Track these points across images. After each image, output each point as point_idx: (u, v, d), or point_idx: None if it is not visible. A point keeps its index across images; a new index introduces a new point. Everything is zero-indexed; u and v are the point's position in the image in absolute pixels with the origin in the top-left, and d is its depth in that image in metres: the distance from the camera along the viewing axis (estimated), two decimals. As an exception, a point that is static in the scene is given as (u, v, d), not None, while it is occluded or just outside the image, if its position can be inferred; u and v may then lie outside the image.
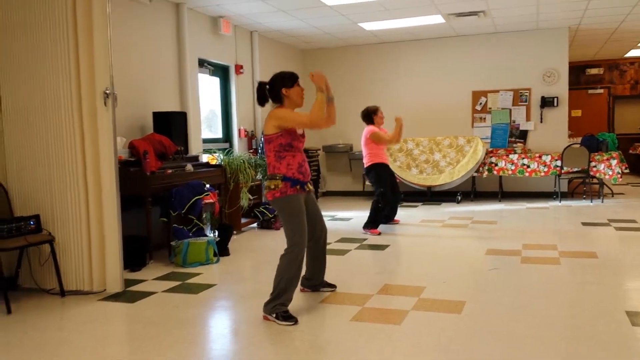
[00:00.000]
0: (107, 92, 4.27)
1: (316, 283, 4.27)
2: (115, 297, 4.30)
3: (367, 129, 6.73)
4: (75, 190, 4.37)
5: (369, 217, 6.72)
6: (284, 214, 3.78)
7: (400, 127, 6.60)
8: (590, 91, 13.56)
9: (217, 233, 5.94)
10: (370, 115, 6.80)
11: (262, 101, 3.91)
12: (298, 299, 3.94)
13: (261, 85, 3.89)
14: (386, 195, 6.74)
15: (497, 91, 9.75)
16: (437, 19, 8.36)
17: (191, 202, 5.60)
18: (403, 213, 7.97)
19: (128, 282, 4.64)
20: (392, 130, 6.71)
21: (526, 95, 9.62)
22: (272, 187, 3.74)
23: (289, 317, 3.57)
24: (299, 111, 3.88)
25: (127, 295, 4.36)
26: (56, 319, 3.88)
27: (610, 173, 8.53)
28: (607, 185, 9.47)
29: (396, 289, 4.32)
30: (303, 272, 4.08)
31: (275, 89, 3.82)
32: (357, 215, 8.11)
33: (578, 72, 13.25)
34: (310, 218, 3.97)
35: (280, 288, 3.64)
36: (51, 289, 4.47)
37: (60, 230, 4.42)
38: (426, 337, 3.27)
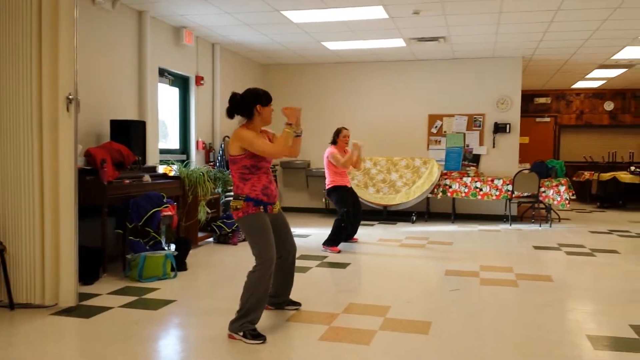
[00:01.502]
0: (71, 97, 4.11)
1: (281, 301, 4.20)
2: (68, 312, 4.09)
3: (328, 150, 6.75)
4: (31, 197, 4.16)
5: (330, 235, 6.70)
6: (249, 232, 3.71)
7: (358, 154, 6.62)
8: (537, 119, 14.09)
9: (174, 247, 5.78)
10: (334, 137, 6.87)
11: (232, 113, 3.84)
12: (262, 317, 3.83)
13: (235, 96, 3.82)
14: (349, 214, 6.75)
15: (453, 115, 9.98)
16: (399, 43, 8.51)
17: (149, 214, 5.43)
18: (360, 232, 7.96)
19: (81, 296, 4.41)
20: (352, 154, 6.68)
21: (480, 121, 9.88)
22: (237, 207, 3.69)
23: (257, 336, 3.48)
24: (267, 129, 3.91)
25: (81, 310, 4.16)
26: (5, 334, 3.65)
27: (559, 199, 8.84)
28: (554, 210, 9.79)
29: (361, 308, 4.29)
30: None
31: (248, 104, 3.76)
32: (315, 232, 8.08)
33: (527, 101, 13.73)
34: (280, 236, 3.92)
35: (249, 306, 3.54)
36: (-1, 301, 4.22)
37: (12, 240, 4.18)
38: (396, 358, 3.25)
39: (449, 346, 3.46)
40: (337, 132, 6.86)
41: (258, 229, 3.67)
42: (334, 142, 6.84)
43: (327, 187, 6.81)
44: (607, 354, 3.36)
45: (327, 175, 6.78)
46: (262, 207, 3.72)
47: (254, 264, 3.66)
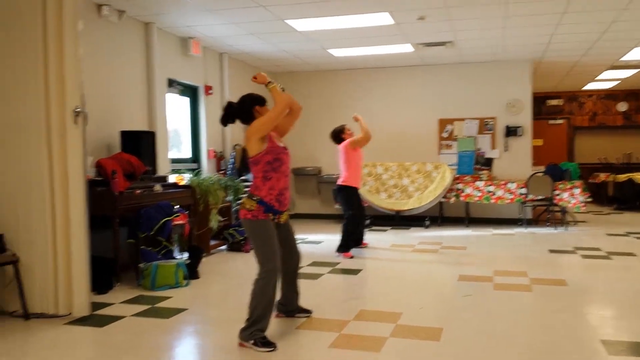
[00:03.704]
0: (78, 110, 4.15)
1: (291, 308, 4.19)
2: (82, 321, 4.12)
3: (344, 143, 6.79)
4: (42, 209, 4.20)
5: (341, 241, 6.71)
6: (254, 237, 3.73)
7: (361, 121, 6.80)
8: (550, 121, 13.98)
9: (186, 255, 5.80)
10: (339, 135, 6.91)
11: (226, 121, 3.90)
12: (273, 325, 3.85)
13: (230, 105, 3.89)
14: (355, 218, 6.75)
15: (463, 119, 9.93)
16: (406, 48, 8.50)
17: (160, 223, 5.45)
18: (373, 237, 7.97)
19: (94, 306, 4.44)
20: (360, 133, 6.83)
21: (491, 124, 9.82)
22: (247, 206, 3.70)
23: (267, 343, 3.48)
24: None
25: (95, 319, 4.19)
26: (20, 343, 3.69)
27: (574, 201, 8.75)
28: (569, 214, 9.69)
29: (372, 314, 4.27)
30: (277, 297, 4.02)
31: (247, 108, 3.82)
32: (327, 238, 8.06)
33: (539, 103, 13.63)
34: (286, 245, 3.93)
35: (257, 314, 3.55)
36: (14, 311, 4.25)
37: (25, 251, 4.22)
38: (408, 365, 3.23)
39: (460, 352, 3.43)
40: (341, 131, 6.90)
41: (263, 237, 3.68)
42: (341, 140, 6.86)
43: (340, 184, 6.79)
44: (621, 359, 3.31)
45: (343, 170, 6.78)
46: (272, 214, 3.72)
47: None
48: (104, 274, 5.04)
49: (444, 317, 4.20)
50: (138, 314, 4.32)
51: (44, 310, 4.24)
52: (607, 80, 11.89)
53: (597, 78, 11.59)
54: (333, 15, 6.63)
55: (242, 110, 3.84)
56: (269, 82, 3.85)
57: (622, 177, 11.67)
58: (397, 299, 4.75)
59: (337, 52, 8.79)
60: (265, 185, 3.70)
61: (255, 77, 3.93)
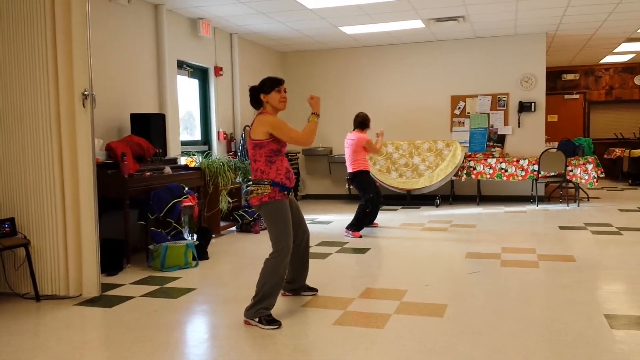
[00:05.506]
0: (86, 93, 4.19)
1: (297, 287, 4.24)
2: (92, 302, 4.21)
3: (361, 136, 6.77)
4: (52, 192, 4.28)
5: (354, 220, 6.74)
6: (270, 219, 3.75)
7: (381, 138, 6.92)
8: (566, 96, 13.78)
9: (195, 236, 5.87)
10: (365, 122, 6.86)
11: (254, 104, 3.91)
12: (279, 303, 3.90)
13: (251, 89, 3.90)
14: (374, 200, 6.77)
15: (476, 96, 9.84)
16: (417, 24, 8.41)
17: (170, 205, 5.52)
18: (383, 216, 7.98)
19: (105, 287, 4.55)
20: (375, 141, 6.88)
21: (504, 100, 9.72)
22: (260, 192, 3.71)
23: (272, 321, 3.53)
24: (280, 116, 3.90)
25: (104, 300, 4.28)
26: (32, 324, 3.78)
27: (586, 177, 8.66)
28: (582, 190, 9.61)
29: (378, 292, 4.31)
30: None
31: (254, 95, 3.86)
32: (337, 218, 8.10)
33: (554, 78, 13.44)
34: (294, 221, 3.95)
35: (264, 292, 3.60)
36: (26, 293, 4.36)
37: (35, 234, 4.32)
38: (409, 341, 3.27)
39: (462, 328, 3.45)
40: (368, 118, 6.86)
41: (282, 217, 3.72)
42: (365, 127, 6.83)
43: (353, 171, 6.81)
44: (623, 332, 3.31)
45: (353, 159, 6.78)
46: (286, 192, 3.76)
47: (271, 250, 3.72)
48: (115, 256, 5.14)
49: (449, 294, 4.22)
50: (147, 294, 4.41)
51: (54, 292, 4.34)
52: (624, 53, 11.66)
53: (614, 51, 11.36)
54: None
55: (253, 96, 3.88)
56: (315, 114, 3.82)
57: (638, 152, 11.50)
58: (403, 277, 4.78)
59: (349, 30, 8.73)
60: (271, 168, 3.73)
61: (312, 98, 3.87)
